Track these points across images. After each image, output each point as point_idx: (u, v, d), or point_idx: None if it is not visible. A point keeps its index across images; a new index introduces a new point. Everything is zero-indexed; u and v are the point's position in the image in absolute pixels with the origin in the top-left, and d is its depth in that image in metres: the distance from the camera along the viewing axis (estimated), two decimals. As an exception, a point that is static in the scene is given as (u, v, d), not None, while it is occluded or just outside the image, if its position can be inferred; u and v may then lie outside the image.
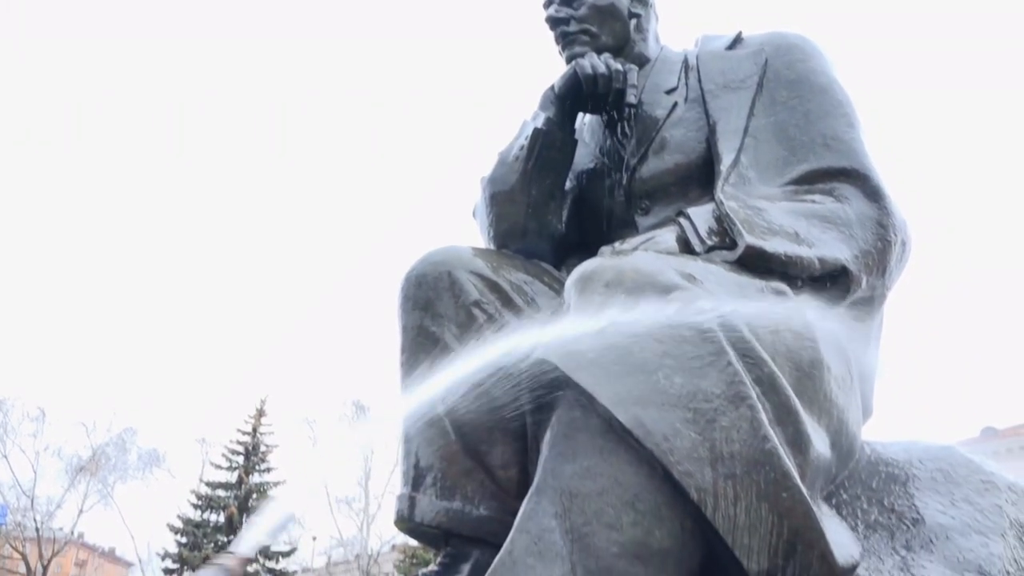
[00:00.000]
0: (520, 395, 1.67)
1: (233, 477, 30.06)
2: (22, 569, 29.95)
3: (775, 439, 1.41)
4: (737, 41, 2.24)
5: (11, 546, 30.17)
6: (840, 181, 1.91)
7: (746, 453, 1.39)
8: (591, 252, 1.89)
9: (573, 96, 2.11)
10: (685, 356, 1.43)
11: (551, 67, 2.29)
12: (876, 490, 1.73)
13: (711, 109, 2.09)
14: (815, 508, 1.44)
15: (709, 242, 1.75)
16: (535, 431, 1.60)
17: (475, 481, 1.84)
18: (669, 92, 2.20)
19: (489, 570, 1.42)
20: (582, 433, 1.44)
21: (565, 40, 2.25)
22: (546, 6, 2.29)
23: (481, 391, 1.84)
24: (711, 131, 2.05)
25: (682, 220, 1.84)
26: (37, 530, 29.31)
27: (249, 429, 30.67)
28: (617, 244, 1.86)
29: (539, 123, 2.12)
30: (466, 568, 1.84)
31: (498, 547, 1.45)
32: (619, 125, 2.18)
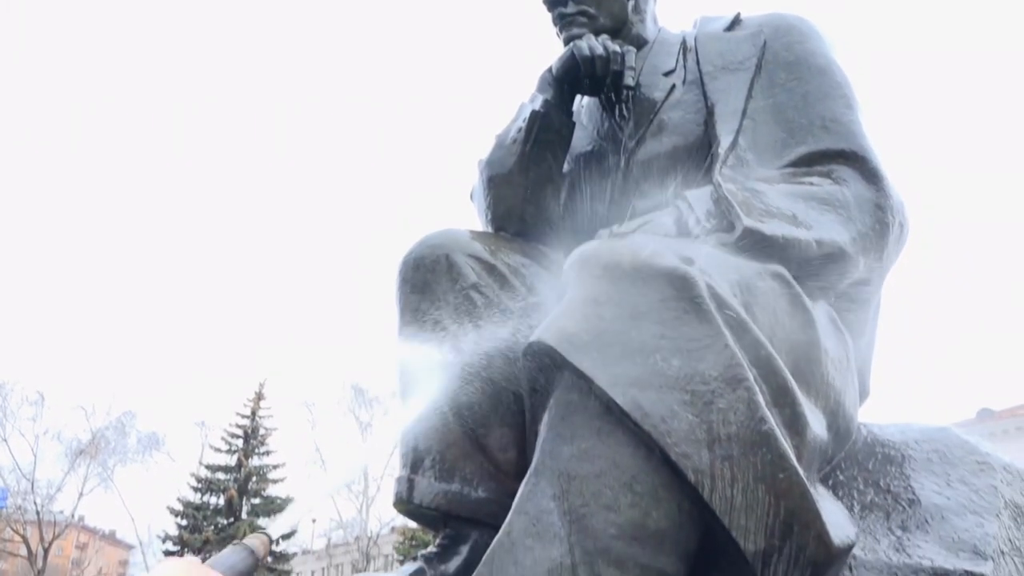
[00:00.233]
0: (518, 378, 1.67)
1: (232, 460, 30.20)
2: (23, 552, 30.08)
3: (772, 421, 1.42)
4: (736, 22, 2.23)
5: (12, 529, 30.28)
6: (838, 163, 1.90)
7: (743, 435, 1.39)
8: (589, 235, 1.89)
9: (571, 78, 2.10)
10: (683, 338, 1.43)
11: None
12: (872, 471, 1.74)
13: (709, 91, 2.08)
14: (811, 489, 1.45)
15: (707, 225, 1.75)
16: (533, 413, 1.60)
17: (474, 463, 1.84)
18: (667, 74, 2.19)
19: (488, 551, 1.43)
20: (580, 415, 1.45)
21: (563, 21, 2.24)
22: (543, -13, 2.28)
23: (479, 375, 1.85)
24: (709, 113, 2.04)
25: (680, 203, 1.84)
26: (38, 513, 29.43)
27: (248, 412, 30.78)
28: (615, 227, 1.85)
29: (537, 105, 2.11)
30: (465, 549, 1.85)
31: (497, 528, 1.46)
32: (617, 107, 2.18)
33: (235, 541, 1.46)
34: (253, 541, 1.46)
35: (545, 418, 1.51)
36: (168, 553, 28.03)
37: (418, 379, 1.87)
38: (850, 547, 1.52)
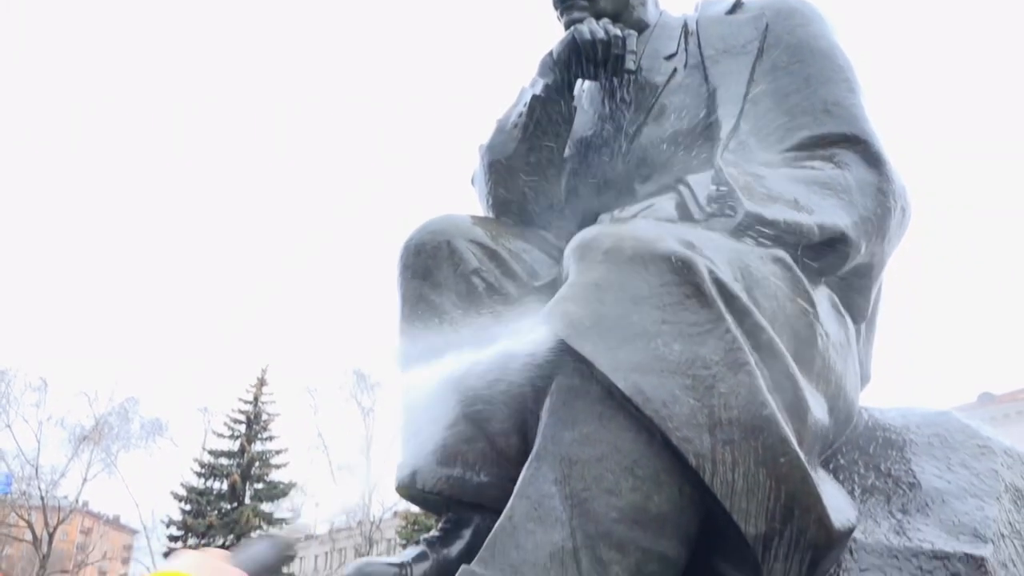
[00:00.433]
0: (521, 364, 1.67)
1: (235, 445, 30.26)
2: (28, 537, 30.24)
3: (773, 405, 1.42)
4: (737, 6, 2.21)
5: (17, 514, 30.42)
6: (840, 147, 1.90)
7: (744, 419, 1.40)
8: (590, 220, 1.89)
9: (572, 62, 2.09)
10: (684, 323, 1.43)
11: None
12: (873, 455, 1.75)
13: (711, 75, 2.07)
14: (812, 473, 1.45)
15: (708, 209, 1.74)
16: (535, 398, 1.61)
17: (476, 448, 1.85)
18: (668, 58, 2.18)
19: (490, 535, 1.44)
20: (581, 400, 1.45)
21: (564, 5, 2.23)
22: (544, -29, 2.26)
23: (481, 360, 1.85)
24: (711, 97, 2.03)
25: (681, 187, 1.83)
26: (42, 499, 29.55)
27: (251, 398, 30.81)
28: (616, 212, 1.85)
29: (538, 90, 2.10)
30: (467, 533, 1.86)
31: (499, 513, 1.47)
32: (618, 92, 2.17)
33: (262, 533, 1.47)
34: (283, 534, 1.47)
35: (547, 403, 1.51)
36: (172, 538, 28.18)
37: (419, 365, 1.87)
38: (851, 530, 1.53)
